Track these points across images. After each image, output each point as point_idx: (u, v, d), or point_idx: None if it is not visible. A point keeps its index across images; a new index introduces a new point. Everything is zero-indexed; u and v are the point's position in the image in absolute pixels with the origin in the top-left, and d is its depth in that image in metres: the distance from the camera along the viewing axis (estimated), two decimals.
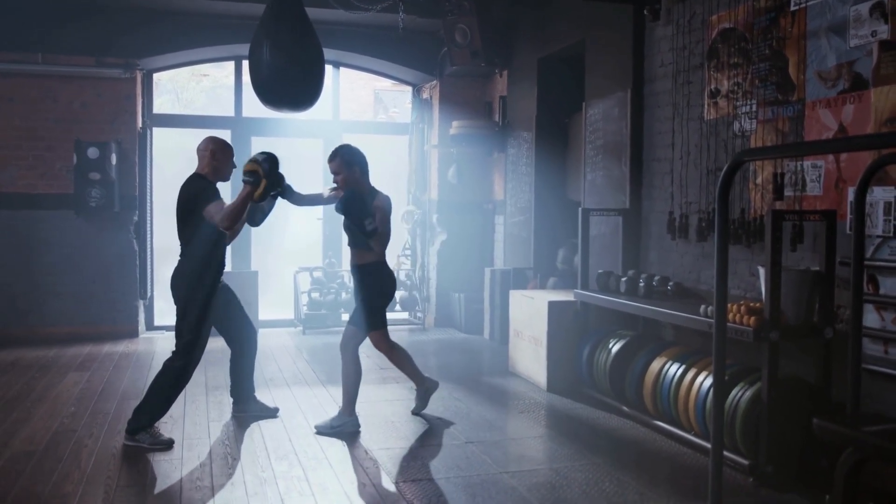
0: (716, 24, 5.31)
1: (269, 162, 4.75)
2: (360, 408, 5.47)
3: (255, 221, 5.10)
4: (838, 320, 4.23)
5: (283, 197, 5.09)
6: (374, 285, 5.12)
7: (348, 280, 9.43)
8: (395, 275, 5.24)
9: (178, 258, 4.90)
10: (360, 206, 4.96)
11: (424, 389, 5.48)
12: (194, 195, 4.79)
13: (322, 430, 5.05)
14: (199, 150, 5.00)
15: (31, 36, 8.11)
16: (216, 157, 4.95)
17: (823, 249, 4.16)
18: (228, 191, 8.33)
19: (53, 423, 5.20)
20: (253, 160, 4.76)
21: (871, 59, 4.09)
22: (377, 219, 4.97)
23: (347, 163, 5.03)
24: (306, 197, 5.26)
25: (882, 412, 3.95)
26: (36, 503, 3.84)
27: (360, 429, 5.10)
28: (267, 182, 4.71)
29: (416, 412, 5.49)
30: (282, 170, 4.91)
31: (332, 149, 5.21)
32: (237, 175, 4.97)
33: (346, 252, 9.70)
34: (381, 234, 5.03)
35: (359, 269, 5.14)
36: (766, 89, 4.85)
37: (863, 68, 4.15)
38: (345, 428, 5.05)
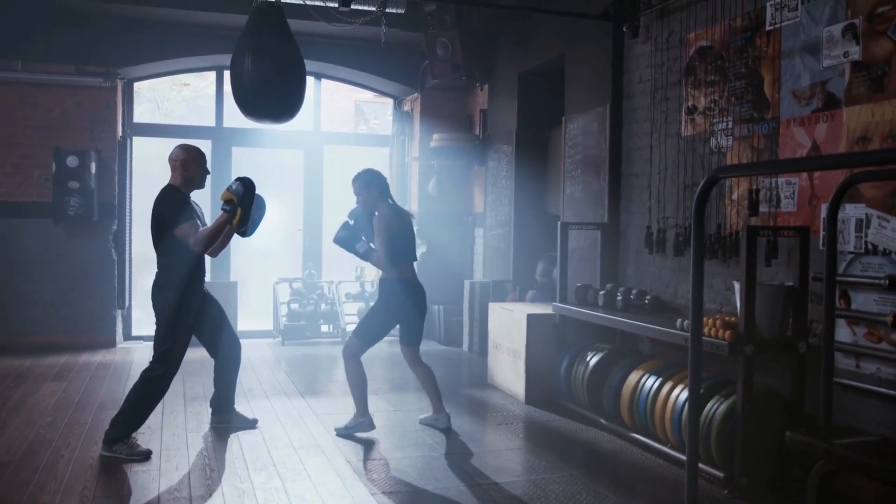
0: (693, 42, 5.40)
1: (243, 188, 4.76)
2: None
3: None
4: (811, 335, 4.30)
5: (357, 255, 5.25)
6: (391, 300, 5.22)
7: (328, 291, 9.44)
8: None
9: (156, 270, 4.89)
10: (353, 231, 5.18)
11: (435, 419, 5.49)
12: (164, 211, 4.79)
13: (340, 433, 5.25)
14: (170, 160, 4.98)
15: (10, 43, 8.07)
16: (187, 167, 4.94)
17: (797, 265, 4.24)
18: (206, 199, 8.36)
19: (30, 433, 5.16)
20: (227, 189, 4.79)
21: (844, 79, 4.18)
22: (375, 236, 5.13)
23: (365, 185, 5.23)
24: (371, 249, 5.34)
25: (853, 425, 4.01)
26: None
27: (375, 427, 5.29)
28: (243, 209, 4.75)
29: (422, 422, 5.56)
30: (262, 180, 4.92)
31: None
32: (213, 187, 4.98)
33: (326, 263, 9.82)
34: (378, 252, 5.13)
35: (379, 284, 5.32)
36: (741, 107, 4.94)
37: (835, 88, 4.24)
38: (359, 428, 5.26)
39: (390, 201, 5.29)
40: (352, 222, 5.26)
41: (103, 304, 8.48)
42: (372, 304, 5.39)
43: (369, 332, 5.28)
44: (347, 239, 5.18)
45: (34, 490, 4.13)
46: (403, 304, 5.25)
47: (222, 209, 4.78)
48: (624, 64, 6.26)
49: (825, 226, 3.90)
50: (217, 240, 4.84)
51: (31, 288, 8.25)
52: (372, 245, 5.18)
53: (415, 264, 5.39)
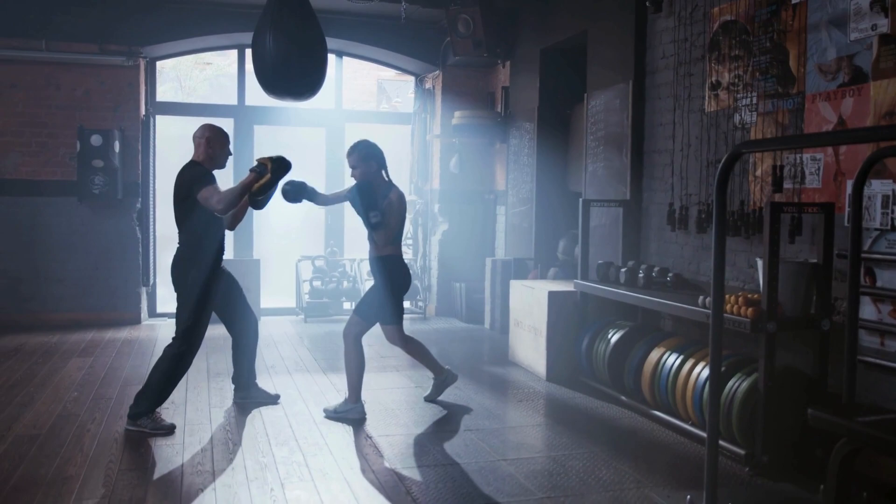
0: (717, 17, 5.32)
1: (278, 163, 4.78)
2: (361, 395, 5.52)
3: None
4: (835, 312, 4.26)
5: (309, 200, 5.19)
6: (391, 277, 5.18)
7: (350, 269, 9.47)
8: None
9: (177, 245, 4.94)
10: (369, 198, 5.06)
11: (441, 380, 5.54)
12: (189, 182, 4.81)
13: (328, 415, 5.16)
14: (195, 137, 5.03)
15: (34, 23, 8.12)
16: (211, 144, 4.97)
17: (821, 242, 4.19)
18: (229, 178, 8.40)
19: (56, 407, 5.25)
20: (267, 157, 4.80)
21: (871, 53, 4.11)
22: (388, 212, 5.06)
23: (364, 157, 5.12)
24: (329, 197, 5.38)
25: (877, 403, 3.98)
26: (39, 486, 3.88)
27: (366, 416, 5.15)
28: (269, 178, 4.76)
29: (428, 399, 5.55)
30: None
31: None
32: (236, 165, 5.01)
33: (349, 241, 9.85)
34: (389, 228, 5.09)
35: (376, 261, 5.22)
36: (766, 82, 4.87)
37: (863, 62, 4.16)
38: (349, 414, 5.12)
39: (385, 177, 5.21)
40: (349, 159, 5.15)
41: (128, 281, 8.58)
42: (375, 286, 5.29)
43: (372, 309, 5.22)
44: (369, 202, 5.04)
45: (60, 463, 4.20)
46: (400, 282, 5.21)
47: (251, 170, 4.78)
48: (647, 39, 6.18)
49: (850, 202, 3.85)
50: (240, 201, 4.81)
51: (57, 266, 8.35)
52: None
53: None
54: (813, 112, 4.50)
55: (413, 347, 5.43)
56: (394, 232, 5.14)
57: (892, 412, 3.48)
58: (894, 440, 3.06)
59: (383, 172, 5.20)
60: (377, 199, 5.07)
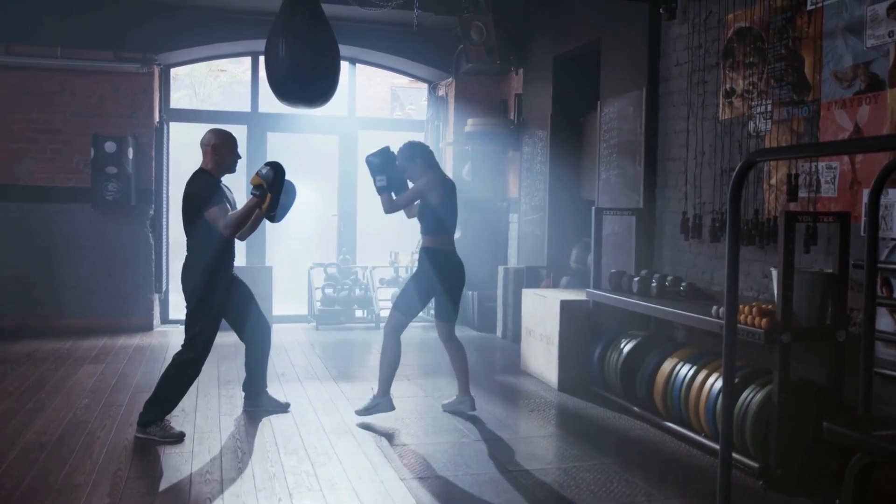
0: (731, 24, 5.28)
1: (273, 173, 4.77)
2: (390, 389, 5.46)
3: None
4: (851, 323, 4.20)
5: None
6: (431, 272, 5.22)
7: (362, 276, 9.45)
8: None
9: (186, 253, 4.93)
10: (382, 163, 5.20)
11: (461, 402, 5.44)
12: (195, 195, 4.81)
13: (360, 412, 5.23)
14: (202, 144, 5.01)
15: (49, 30, 8.18)
16: (218, 151, 4.96)
17: (837, 252, 4.13)
18: (240, 183, 8.41)
19: (67, 414, 5.25)
20: (257, 174, 4.81)
21: (888, 60, 4.05)
22: (407, 191, 5.24)
23: (408, 157, 5.27)
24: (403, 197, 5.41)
25: (894, 416, 3.91)
26: (48, 493, 3.87)
27: (394, 408, 5.27)
28: (272, 194, 4.77)
29: (445, 409, 5.50)
30: (297, 165, 4.94)
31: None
32: (248, 171, 5.01)
33: (361, 249, 9.84)
34: (393, 203, 5.23)
35: (420, 253, 5.36)
36: (781, 89, 4.82)
37: (879, 69, 4.11)
38: (378, 409, 5.21)
39: (439, 173, 5.30)
40: (397, 161, 5.28)
41: (140, 287, 8.59)
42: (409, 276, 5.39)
43: (408, 304, 5.29)
44: (377, 165, 5.20)
45: (70, 470, 4.19)
46: (440, 275, 5.23)
47: (252, 193, 4.80)
48: (660, 46, 6.15)
49: (867, 211, 3.80)
50: (246, 224, 4.86)
51: (70, 272, 8.38)
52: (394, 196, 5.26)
53: (455, 238, 5.39)
54: (828, 120, 4.45)
55: (454, 351, 5.42)
56: (398, 203, 5.23)
57: None
58: None
59: (435, 165, 5.32)
60: (397, 171, 5.24)
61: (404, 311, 5.29)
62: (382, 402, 5.22)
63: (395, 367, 5.27)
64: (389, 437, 4.92)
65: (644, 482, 4.18)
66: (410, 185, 5.31)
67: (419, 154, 5.24)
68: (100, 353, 7.32)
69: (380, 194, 5.23)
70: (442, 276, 5.24)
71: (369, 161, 5.24)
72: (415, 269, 5.40)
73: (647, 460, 4.58)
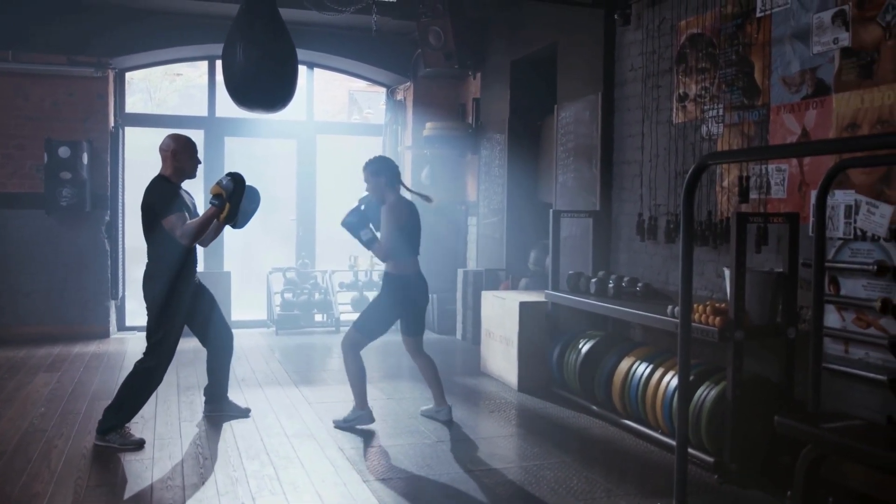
0: (684, 30, 5.40)
1: (233, 184, 4.77)
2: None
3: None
4: (801, 320, 4.33)
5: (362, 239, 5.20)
6: (393, 296, 5.22)
7: (321, 281, 9.43)
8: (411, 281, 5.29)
9: (147, 261, 4.89)
10: (361, 217, 5.13)
11: (438, 411, 5.41)
12: (154, 202, 4.78)
13: (338, 425, 5.19)
14: (160, 150, 4.96)
15: (2, 34, 8.03)
16: (177, 157, 4.91)
17: (787, 251, 4.26)
18: (199, 188, 8.35)
19: (23, 423, 5.17)
20: (217, 183, 4.81)
21: (833, 66, 4.19)
22: (381, 226, 5.11)
23: (373, 173, 5.19)
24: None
25: (842, 410, 4.04)
26: (5, 503, 3.82)
27: (374, 420, 5.25)
28: (231, 204, 4.77)
29: (423, 414, 5.51)
30: (255, 170, 4.93)
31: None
32: (206, 176, 5.00)
33: (320, 253, 9.82)
34: (382, 243, 5.10)
35: (383, 278, 5.31)
36: (732, 94, 4.94)
37: (825, 74, 4.25)
38: (358, 421, 5.19)
39: (401, 191, 5.25)
40: (362, 208, 5.19)
41: (97, 294, 8.48)
42: (373, 297, 5.35)
43: (369, 326, 5.26)
44: (355, 224, 5.12)
45: (28, 479, 4.14)
46: (405, 300, 5.24)
47: (210, 202, 4.79)
48: (616, 52, 6.26)
49: (814, 212, 3.92)
50: (204, 233, 4.84)
51: (24, 279, 8.23)
52: (377, 234, 5.14)
53: (418, 257, 5.35)
54: (777, 124, 4.58)
55: (424, 364, 5.43)
56: (388, 245, 5.10)
57: (857, 419, 3.54)
58: (859, 446, 3.11)
59: (397, 186, 5.22)
60: (375, 217, 5.16)
61: (364, 332, 5.26)
62: (362, 414, 5.21)
63: (363, 379, 5.25)
64: (352, 440, 4.94)
65: (603, 479, 4.26)
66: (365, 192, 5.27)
67: (384, 171, 5.17)
68: (55, 360, 7.21)
69: (369, 248, 5.14)
70: (406, 303, 5.25)
71: (346, 224, 5.14)
72: (378, 293, 5.35)
73: (607, 457, 4.67)
